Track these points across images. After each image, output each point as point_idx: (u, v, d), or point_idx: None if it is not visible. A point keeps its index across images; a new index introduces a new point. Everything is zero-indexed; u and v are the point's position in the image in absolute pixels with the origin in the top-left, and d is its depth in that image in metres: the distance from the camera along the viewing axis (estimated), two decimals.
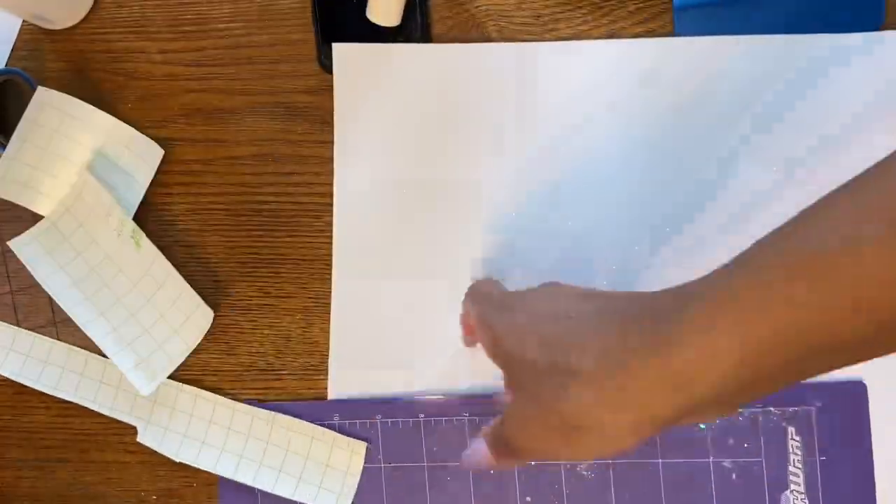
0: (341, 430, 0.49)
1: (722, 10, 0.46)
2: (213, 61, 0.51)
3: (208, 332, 0.51)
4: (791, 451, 0.44)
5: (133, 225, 0.50)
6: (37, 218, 0.50)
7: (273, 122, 0.51)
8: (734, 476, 0.45)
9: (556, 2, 0.48)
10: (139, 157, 0.51)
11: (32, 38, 0.53)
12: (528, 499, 0.47)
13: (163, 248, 0.51)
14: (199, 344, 0.51)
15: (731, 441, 0.45)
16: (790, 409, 0.44)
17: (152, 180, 0.52)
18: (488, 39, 0.49)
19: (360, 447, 0.50)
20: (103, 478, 0.53)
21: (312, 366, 0.51)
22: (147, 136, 0.52)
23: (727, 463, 0.45)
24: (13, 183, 0.49)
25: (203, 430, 0.50)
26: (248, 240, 0.51)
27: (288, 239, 0.51)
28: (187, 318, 0.50)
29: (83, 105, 0.50)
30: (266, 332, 0.51)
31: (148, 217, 0.52)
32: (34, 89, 0.50)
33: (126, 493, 0.52)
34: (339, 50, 0.49)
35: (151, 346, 0.49)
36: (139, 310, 0.49)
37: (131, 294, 0.49)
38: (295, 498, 0.49)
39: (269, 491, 0.49)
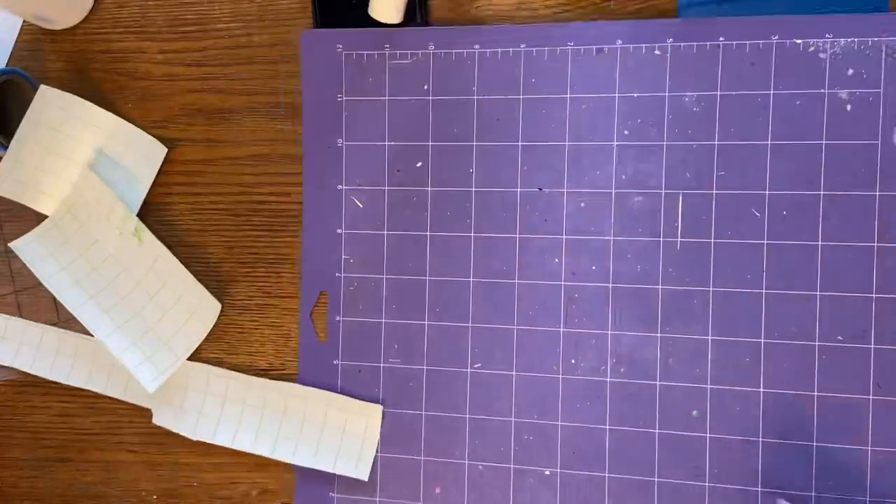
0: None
1: (726, 7, 0.46)
2: (213, 61, 0.52)
3: (209, 332, 0.51)
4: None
5: (136, 221, 0.50)
6: (39, 217, 0.50)
7: (273, 122, 0.51)
8: (849, 107, 0.44)
9: (557, 2, 0.48)
10: (141, 156, 0.51)
11: (33, 38, 0.54)
12: None
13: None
14: (200, 344, 0.51)
15: (850, 71, 0.43)
16: None
17: (153, 180, 0.52)
18: None
19: (376, 412, 0.49)
20: (103, 478, 0.53)
21: None
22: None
23: (843, 94, 0.43)
24: (16, 182, 0.50)
25: (218, 407, 0.50)
26: (248, 240, 0.51)
27: (288, 239, 0.51)
28: (192, 312, 0.51)
29: (85, 103, 0.50)
30: (266, 332, 0.51)
31: (149, 217, 0.52)
32: (35, 89, 0.50)
33: (126, 493, 0.53)
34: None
35: (157, 343, 0.49)
36: (143, 307, 0.49)
37: (135, 292, 0.49)
38: (315, 466, 0.49)
39: (289, 461, 0.49)
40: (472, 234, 0.48)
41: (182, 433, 0.50)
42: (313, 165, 0.50)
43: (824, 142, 0.44)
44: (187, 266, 0.51)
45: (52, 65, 0.54)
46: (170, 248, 0.51)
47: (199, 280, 0.51)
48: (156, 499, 0.52)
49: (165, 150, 0.52)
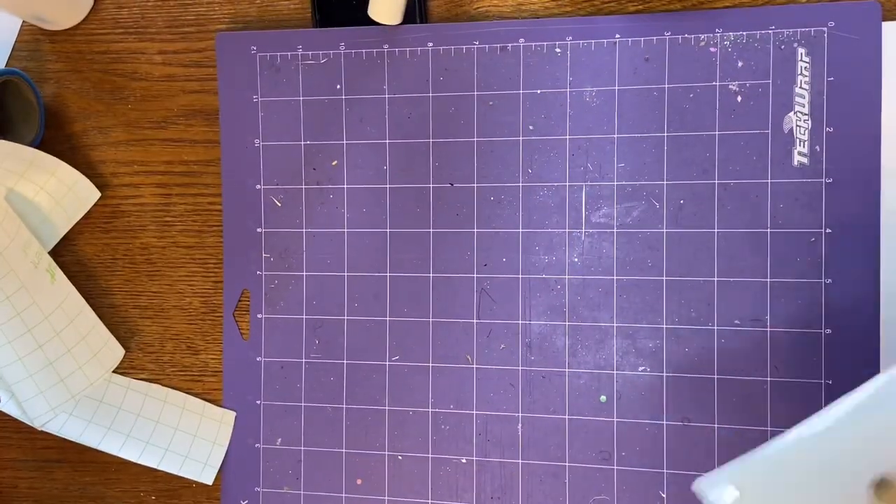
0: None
1: None
2: (212, 62, 0.52)
3: (208, 332, 0.52)
4: (799, 72, 0.44)
5: (49, 259, 0.51)
6: None
7: None
8: (739, 98, 0.45)
9: (556, 4, 0.48)
10: (63, 192, 0.51)
11: (32, 38, 0.54)
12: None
13: (162, 248, 0.52)
14: (199, 344, 0.52)
15: (739, 63, 0.45)
16: (802, 30, 0.44)
17: (151, 181, 0.52)
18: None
19: (230, 417, 0.51)
20: (102, 478, 0.53)
21: None
22: (147, 136, 0.52)
23: (733, 85, 0.45)
24: None
25: (72, 403, 0.50)
26: None
27: None
28: (94, 354, 0.51)
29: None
30: None
31: (148, 218, 0.53)
32: (34, 90, 0.51)
33: (125, 493, 0.53)
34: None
35: (53, 379, 0.49)
36: (47, 342, 0.49)
37: (42, 326, 0.49)
38: (160, 468, 0.50)
39: (134, 461, 0.50)
40: (388, 230, 0.49)
41: (25, 422, 0.50)
42: (231, 166, 0.51)
43: (717, 133, 0.45)
44: (185, 267, 0.52)
45: (51, 65, 0.54)
46: (168, 248, 0.52)
47: (197, 283, 0.52)
48: (154, 499, 0.53)
49: (99, 194, 0.52)
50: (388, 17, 0.47)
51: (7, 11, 0.51)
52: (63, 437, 0.49)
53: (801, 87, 0.44)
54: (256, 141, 0.51)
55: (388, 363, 0.50)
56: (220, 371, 0.52)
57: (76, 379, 0.50)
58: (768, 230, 0.45)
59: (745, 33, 0.45)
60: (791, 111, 0.45)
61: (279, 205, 0.51)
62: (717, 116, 0.45)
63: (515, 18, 0.48)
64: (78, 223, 0.53)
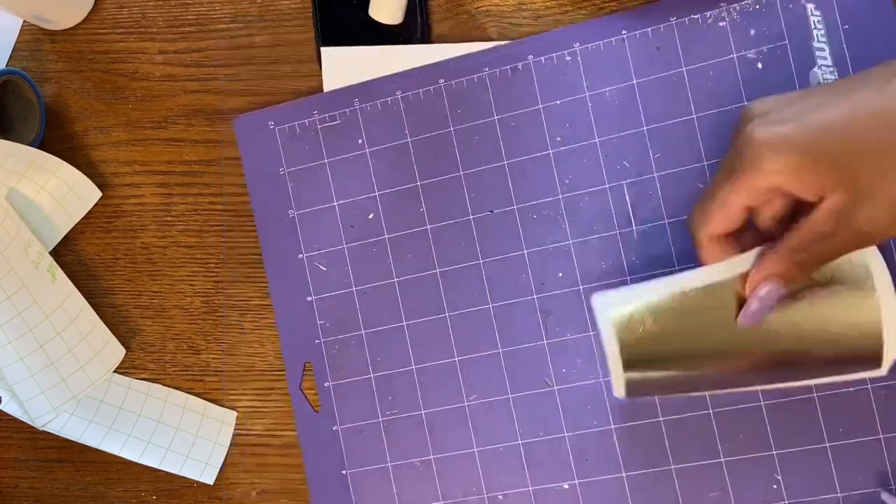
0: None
1: None
2: (213, 62, 0.52)
3: (209, 332, 0.52)
4: (813, 26, 0.44)
5: (50, 259, 0.51)
6: None
7: None
8: (759, 65, 0.45)
9: (557, 3, 0.48)
10: (64, 192, 0.52)
11: (33, 38, 0.54)
12: None
13: (163, 248, 0.52)
14: (200, 344, 0.52)
15: (752, 31, 0.45)
16: None
17: (152, 180, 0.53)
18: (488, 40, 0.48)
19: (231, 417, 0.51)
20: (103, 478, 0.53)
21: None
22: (148, 136, 0.53)
23: (751, 54, 0.45)
24: None
25: (74, 402, 0.50)
26: (248, 240, 0.52)
27: None
28: (96, 353, 0.51)
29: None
30: (266, 332, 0.51)
31: (149, 218, 0.53)
32: (35, 89, 0.51)
33: (126, 493, 0.52)
34: (329, 54, 0.50)
35: (55, 379, 0.49)
36: (48, 341, 0.49)
37: (43, 325, 0.49)
38: (161, 468, 0.50)
39: (135, 461, 0.49)
40: (437, 270, 0.49)
41: (27, 421, 0.50)
42: (270, 241, 0.51)
43: (745, 104, 0.45)
44: (186, 267, 0.52)
45: (51, 65, 0.54)
46: (169, 248, 0.52)
47: (199, 281, 0.52)
48: (155, 499, 0.52)
49: (100, 193, 0.53)
50: (389, 16, 0.47)
51: (8, 11, 0.52)
52: (64, 436, 0.49)
53: (818, 42, 0.44)
54: (290, 212, 0.51)
55: (466, 404, 0.48)
56: (221, 371, 0.51)
57: (77, 379, 0.50)
58: None
59: (749, 1, 0.45)
60: (815, 66, 0.44)
61: (324, 269, 0.50)
62: (741, 88, 0.45)
63: (517, 35, 0.49)
64: (79, 223, 0.53)
